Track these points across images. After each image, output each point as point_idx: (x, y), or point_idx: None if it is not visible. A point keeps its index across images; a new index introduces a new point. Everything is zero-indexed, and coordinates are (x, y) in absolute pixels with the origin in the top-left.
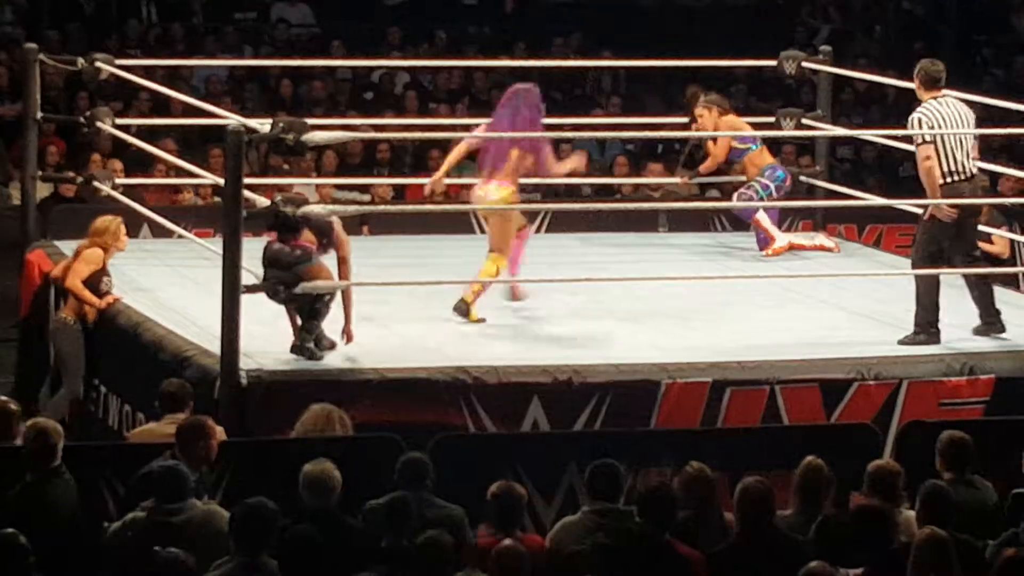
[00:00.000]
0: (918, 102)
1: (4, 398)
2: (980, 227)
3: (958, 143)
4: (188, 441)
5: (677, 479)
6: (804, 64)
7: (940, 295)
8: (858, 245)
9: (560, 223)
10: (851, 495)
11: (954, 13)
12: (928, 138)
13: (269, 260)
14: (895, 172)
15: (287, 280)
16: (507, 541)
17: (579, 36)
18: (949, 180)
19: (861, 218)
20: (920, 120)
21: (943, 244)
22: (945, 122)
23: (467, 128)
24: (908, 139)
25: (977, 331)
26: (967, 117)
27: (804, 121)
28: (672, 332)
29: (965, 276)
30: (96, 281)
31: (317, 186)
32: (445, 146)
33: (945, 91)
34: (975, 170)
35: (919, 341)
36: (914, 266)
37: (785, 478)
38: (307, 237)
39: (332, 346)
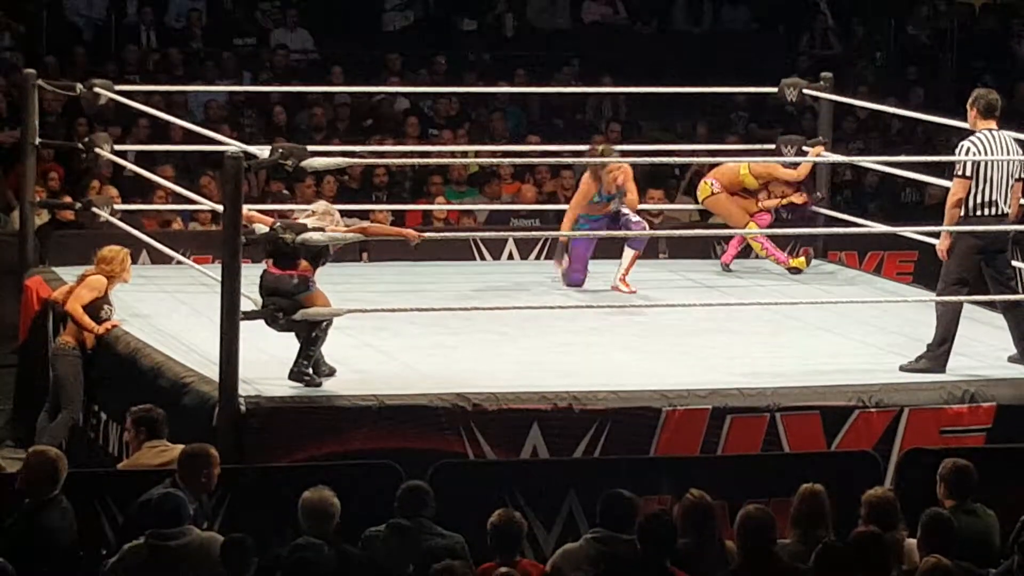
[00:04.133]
0: (963, 133)
1: None
2: None
3: (998, 178)
4: (191, 469)
5: (677, 507)
6: (805, 91)
7: (958, 326)
8: (858, 271)
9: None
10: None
11: (955, 40)
12: (969, 174)
13: (269, 288)
14: (897, 198)
15: (287, 308)
16: (502, 569)
17: (579, 62)
18: (977, 213)
19: (862, 245)
20: (968, 149)
21: (967, 275)
22: (993, 156)
23: (465, 155)
24: (911, 166)
25: (1013, 359)
26: (1015, 154)
27: (804, 148)
28: (672, 359)
29: (1001, 306)
30: (97, 308)
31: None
32: (445, 172)
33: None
34: (1008, 209)
35: (920, 367)
36: (939, 294)
37: (786, 506)
38: (303, 265)
39: (331, 372)
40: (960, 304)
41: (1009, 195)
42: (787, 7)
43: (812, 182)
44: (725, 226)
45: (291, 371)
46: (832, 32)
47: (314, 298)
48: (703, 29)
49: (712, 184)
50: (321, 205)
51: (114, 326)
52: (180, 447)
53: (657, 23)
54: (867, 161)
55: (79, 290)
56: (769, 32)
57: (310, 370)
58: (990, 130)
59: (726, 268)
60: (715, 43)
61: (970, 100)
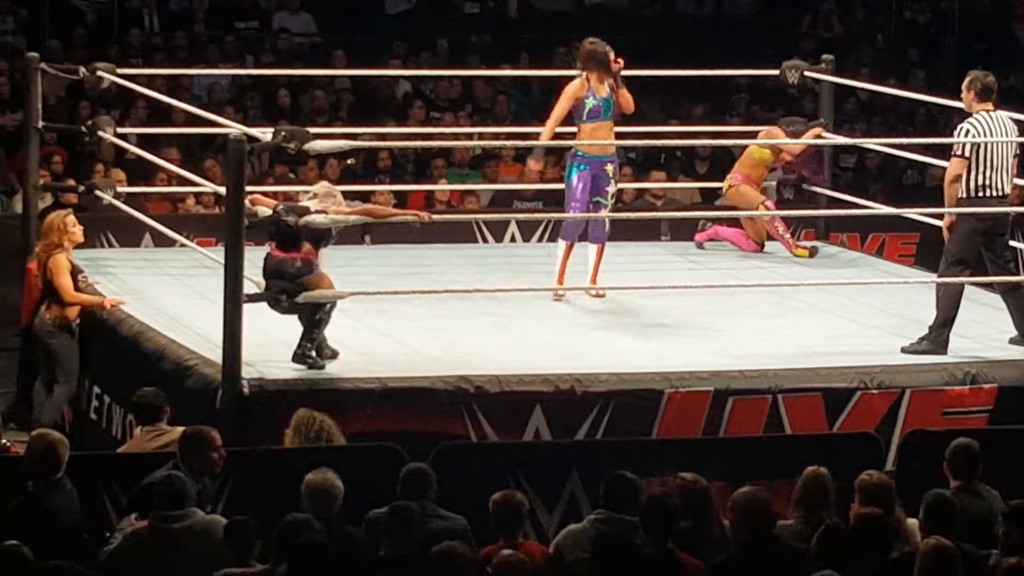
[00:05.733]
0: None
1: None
2: None
3: (998, 160)
4: (192, 452)
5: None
6: (806, 73)
7: (959, 307)
8: (860, 254)
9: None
10: (853, 505)
11: (956, 22)
12: (967, 154)
13: (272, 271)
14: (899, 180)
15: (290, 290)
16: (506, 551)
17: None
18: (979, 195)
19: (864, 226)
20: (967, 131)
21: (967, 256)
22: (992, 137)
23: (469, 137)
24: (912, 148)
25: (1014, 341)
26: (1013, 135)
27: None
28: (674, 341)
29: (1000, 289)
30: (75, 283)
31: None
32: (447, 155)
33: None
34: (1008, 190)
35: (922, 349)
36: (940, 276)
37: (788, 487)
38: (306, 248)
39: (334, 355)
40: (961, 286)
41: (1009, 176)
42: None
43: (819, 163)
44: (729, 208)
45: (294, 353)
46: (833, 14)
47: (317, 280)
48: (705, 12)
49: (732, 177)
50: (323, 186)
51: (118, 303)
52: (178, 430)
53: (659, 6)
54: (868, 143)
55: (59, 281)
56: (771, 14)
57: (313, 352)
58: (988, 111)
59: (699, 246)
60: (717, 25)
61: (966, 82)
